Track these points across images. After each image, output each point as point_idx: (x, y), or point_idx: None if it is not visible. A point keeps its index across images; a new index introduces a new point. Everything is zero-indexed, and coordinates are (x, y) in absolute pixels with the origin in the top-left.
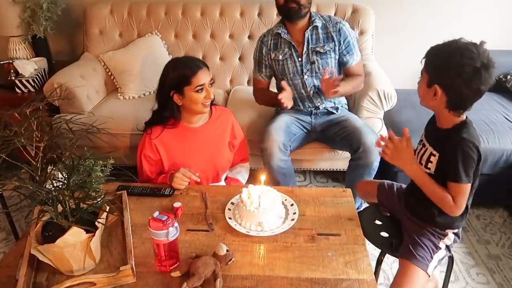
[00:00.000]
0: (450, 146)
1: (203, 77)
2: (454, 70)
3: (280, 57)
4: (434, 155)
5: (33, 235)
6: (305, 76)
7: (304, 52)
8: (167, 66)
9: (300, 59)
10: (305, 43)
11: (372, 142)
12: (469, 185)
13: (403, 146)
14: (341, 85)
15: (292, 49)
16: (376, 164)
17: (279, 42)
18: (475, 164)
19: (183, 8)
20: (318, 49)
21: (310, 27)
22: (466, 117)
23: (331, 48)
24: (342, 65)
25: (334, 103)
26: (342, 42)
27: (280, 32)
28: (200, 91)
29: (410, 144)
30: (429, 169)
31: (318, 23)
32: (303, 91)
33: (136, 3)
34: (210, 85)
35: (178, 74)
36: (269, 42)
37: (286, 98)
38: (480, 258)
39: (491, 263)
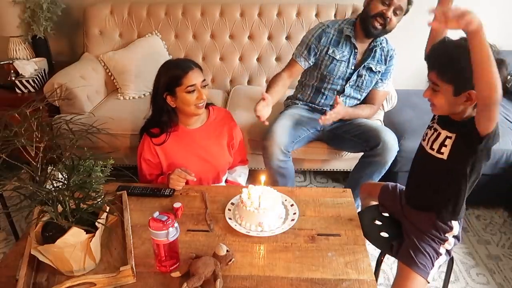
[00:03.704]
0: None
1: (194, 77)
2: None
3: (338, 56)
4: (450, 137)
5: (33, 236)
6: (347, 85)
7: (361, 63)
8: (160, 69)
9: (353, 67)
10: (367, 57)
11: (391, 140)
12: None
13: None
14: (351, 108)
15: (352, 55)
16: (389, 163)
17: (342, 41)
18: (498, 130)
19: (183, 9)
20: (371, 65)
21: (379, 46)
22: None
23: (381, 70)
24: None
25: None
26: (386, 67)
27: (350, 35)
28: (191, 92)
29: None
30: (442, 153)
31: (383, 43)
32: (334, 95)
33: (136, 4)
34: (202, 86)
35: (169, 76)
36: (331, 36)
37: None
38: (480, 258)
39: (491, 263)
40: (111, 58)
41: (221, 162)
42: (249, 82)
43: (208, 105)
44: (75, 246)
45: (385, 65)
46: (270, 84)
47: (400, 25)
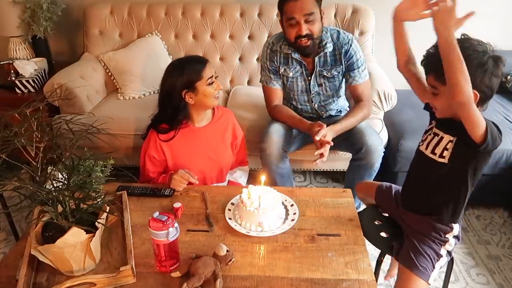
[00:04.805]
0: None
1: (210, 69)
2: (479, 70)
3: (291, 74)
4: (452, 141)
5: (33, 236)
6: (312, 94)
7: (313, 74)
8: (171, 70)
9: (309, 78)
10: (315, 66)
11: (374, 143)
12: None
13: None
14: (339, 123)
15: (303, 68)
16: (377, 165)
17: (289, 58)
18: (495, 134)
19: (183, 9)
20: (325, 73)
21: (321, 53)
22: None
23: (338, 72)
24: (346, 83)
25: (337, 109)
26: (346, 62)
27: (290, 52)
28: (212, 83)
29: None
30: (444, 157)
31: (329, 47)
32: (308, 105)
33: (136, 4)
34: (215, 78)
35: (188, 72)
36: (279, 53)
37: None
38: (480, 258)
39: (491, 263)
40: (111, 58)
41: (225, 160)
42: (249, 82)
43: None
44: (75, 246)
45: (342, 64)
46: (290, 118)
47: None
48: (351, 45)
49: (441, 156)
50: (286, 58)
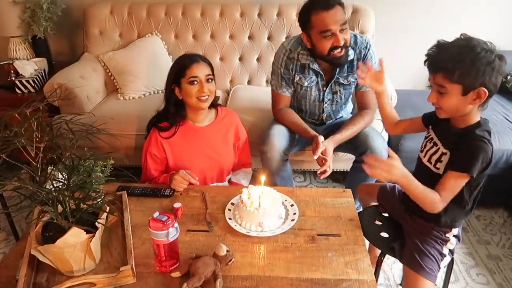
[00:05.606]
0: (465, 140)
1: (198, 69)
2: (488, 68)
3: (306, 83)
4: (445, 154)
5: (33, 236)
6: (325, 105)
7: (330, 83)
8: (173, 62)
9: (324, 88)
10: (334, 74)
11: (379, 146)
12: (467, 179)
13: (393, 164)
14: (340, 133)
15: (319, 78)
16: None
17: (306, 68)
18: (486, 161)
19: (183, 9)
20: (341, 80)
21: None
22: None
23: (355, 79)
24: (355, 88)
25: (342, 115)
26: None
27: (308, 63)
28: (193, 83)
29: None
30: (438, 168)
31: (351, 55)
32: (317, 112)
33: (136, 4)
34: (207, 81)
35: (177, 67)
36: (295, 61)
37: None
38: (480, 258)
39: (491, 263)
40: (111, 58)
41: (226, 161)
42: (249, 82)
43: (217, 105)
44: (75, 246)
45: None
46: (294, 125)
47: (400, 25)
48: (369, 50)
49: (435, 167)
50: (303, 67)
